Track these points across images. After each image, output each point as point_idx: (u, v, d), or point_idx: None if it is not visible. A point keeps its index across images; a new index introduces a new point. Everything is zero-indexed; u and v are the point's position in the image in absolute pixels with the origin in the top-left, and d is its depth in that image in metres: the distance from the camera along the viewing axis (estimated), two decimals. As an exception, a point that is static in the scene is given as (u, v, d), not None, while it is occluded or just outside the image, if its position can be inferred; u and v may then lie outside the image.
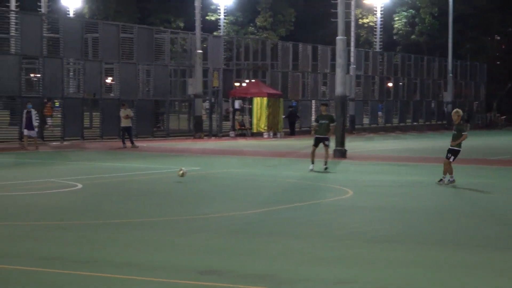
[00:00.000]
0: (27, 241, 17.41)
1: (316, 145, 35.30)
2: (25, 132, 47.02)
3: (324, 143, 35.25)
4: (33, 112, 47.06)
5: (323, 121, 35.16)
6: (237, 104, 70.50)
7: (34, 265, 14.66)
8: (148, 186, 30.22)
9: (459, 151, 29.81)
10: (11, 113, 59.40)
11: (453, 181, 29.73)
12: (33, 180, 30.84)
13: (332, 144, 39.40)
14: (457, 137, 29.76)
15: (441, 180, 29.78)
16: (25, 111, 48.09)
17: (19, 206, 23.61)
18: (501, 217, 23.06)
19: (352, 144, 50.26)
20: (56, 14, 79.78)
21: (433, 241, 18.33)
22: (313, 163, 34.92)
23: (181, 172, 29.78)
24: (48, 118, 61.18)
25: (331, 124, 35.63)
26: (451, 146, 29.81)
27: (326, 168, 35.03)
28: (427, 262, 15.69)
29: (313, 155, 35.15)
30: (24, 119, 47.57)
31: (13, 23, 56.92)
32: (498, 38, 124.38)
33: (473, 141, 46.77)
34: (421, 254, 16.63)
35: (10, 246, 16.81)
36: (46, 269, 14.32)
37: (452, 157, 29.47)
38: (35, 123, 46.76)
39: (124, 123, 50.79)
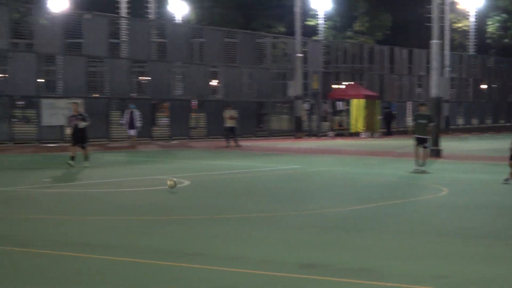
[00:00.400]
0: (140, 235, 17.65)
1: (418, 144, 34.86)
2: (128, 131, 47.50)
3: (424, 146, 34.79)
4: (136, 112, 47.56)
5: (421, 121, 34.66)
6: (340, 105, 70.48)
7: (147, 258, 14.82)
8: (251, 183, 30.33)
9: None
10: (122, 114, 60.17)
11: None
12: (143, 177, 31.18)
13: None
14: None
15: (507, 179, 29.17)
16: (128, 111, 48.69)
17: (131, 201, 23.99)
18: None
19: (447, 144, 49.64)
20: (164, 20, 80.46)
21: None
22: (418, 162, 34.46)
23: (170, 182, 25.84)
24: (163, 119, 62.01)
25: (429, 124, 35.09)
26: None
27: (423, 169, 34.58)
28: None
29: (417, 154, 34.62)
30: (127, 119, 48.17)
31: (124, 29, 57.58)
32: None
33: None
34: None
35: (124, 239, 17.09)
36: (157, 262, 14.48)
37: None
38: (138, 123, 47.24)
39: (229, 123, 51.08)
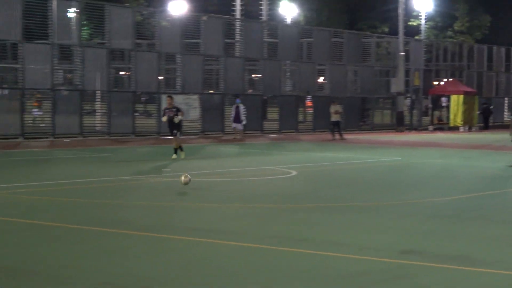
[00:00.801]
0: (256, 222, 17.76)
1: None
2: (233, 125, 47.65)
3: None
4: (242, 107, 47.71)
5: None
6: (444, 101, 70.00)
7: (264, 243, 14.90)
8: (354, 174, 30.16)
9: None
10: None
11: None
12: (254, 167, 31.28)
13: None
14: None
15: None
16: (234, 106, 48.89)
17: (245, 190, 24.13)
18: None
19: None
20: (275, 21, 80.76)
21: None
22: None
23: (185, 179, 22.73)
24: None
25: None
26: None
27: None
28: None
29: None
30: (233, 113, 48.37)
31: (238, 30, 57.88)
32: None
33: None
34: None
35: (244, 226, 17.28)
36: (271, 247, 14.53)
37: None
38: (242, 117, 47.35)
39: (334, 117, 50.99)
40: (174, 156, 32.72)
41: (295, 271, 12.70)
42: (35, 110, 44.53)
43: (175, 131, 33.29)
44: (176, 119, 33.36)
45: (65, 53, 49.07)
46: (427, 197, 22.75)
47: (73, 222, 17.00)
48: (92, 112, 54.06)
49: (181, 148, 33.40)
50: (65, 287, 11.52)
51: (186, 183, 22.51)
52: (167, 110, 34.20)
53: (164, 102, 49.07)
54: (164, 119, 34.27)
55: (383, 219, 18.38)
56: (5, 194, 21.51)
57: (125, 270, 12.56)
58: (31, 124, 45.51)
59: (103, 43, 50.58)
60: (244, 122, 48.19)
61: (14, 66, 48.32)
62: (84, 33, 54.03)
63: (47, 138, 42.67)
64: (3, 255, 13.55)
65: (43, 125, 46.35)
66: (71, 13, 49.53)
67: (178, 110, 33.75)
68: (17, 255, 13.59)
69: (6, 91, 46.96)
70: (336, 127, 50.94)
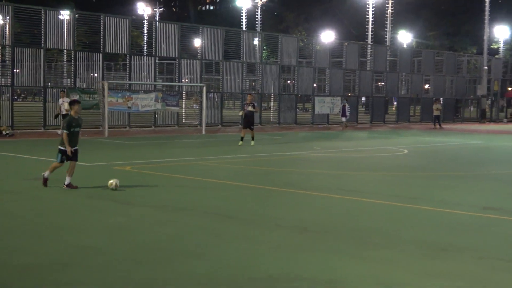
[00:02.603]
0: (378, 184, 17.65)
1: None
2: (342, 118, 47.11)
3: None
4: (347, 105, 47.03)
5: None
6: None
7: (392, 201, 14.87)
8: (451, 152, 29.40)
9: None
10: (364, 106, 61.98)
11: None
12: (377, 147, 30.96)
13: None
14: None
15: None
16: (341, 104, 48.40)
17: (372, 162, 23.71)
18: None
19: None
20: (395, 45, 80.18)
21: None
22: None
23: (113, 184, 15.27)
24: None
25: None
26: None
27: None
28: None
29: None
30: (341, 110, 47.84)
31: (369, 52, 58.10)
32: None
33: None
34: None
35: (378, 188, 17.15)
36: (388, 202, 14.52)
37: None
38: (347, 113, 46.65)
39: (435, 112, 50.10)
40: (241, 142, 29.49)
41: (413, 221, 12.70)
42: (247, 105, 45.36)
43: (252, 127, 29.76)
44: (249, 109, 29.45)
45: (251, 68, 49.79)
46: (504, 170, 22.14)
47: (263, 183, 17.35)
48: (268, 108, 54.89)
49: (253, 137, 29.96)
50: (250, 225, 11.84)
51: (113, 188, 15.15)
52: (245, 104, 30.57)
53: (317, 101, 49.56)
54: (241, 113, 31.44)
55: (470, 185, 18.03)
56: (215, 164, 22.06)
57: (293, 216, 12.78)
58: (226, 115, 46.37)
59: (276, 61, 51.08)
60: (347, 117, 47.43)
61: (217, 77, 49.30)
62: (264, 55, 54.79)
63: (237, 126, 43.38)
64: (217, 206, 13.93)
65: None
66: (255, 41, 50.23)
67: (254, 105, 29.99)
68: (226, 206, 13.97)
69: (211, 95, 48.00)
70: (437, 120, 50.01)
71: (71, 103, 16.08)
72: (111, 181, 15.26)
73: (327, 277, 8.56)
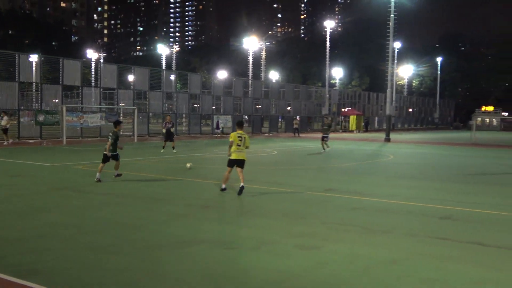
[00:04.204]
0: (258, 175, 17.60)
1: None
2: (217, 130, 46.40)
3: None
4: (220, 120, 46.48)
5: None
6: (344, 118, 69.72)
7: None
8: (306, 152, 28.60)
9: None
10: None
11: None
12: (257, 149, 30.54)
13: None
14: None
15: None
16: (216, 120, 47.99)
17: (254, 160, 23.23)
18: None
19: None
20: (268, 80, 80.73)
21: None
22: None
23: (188, 165, 18.58)
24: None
25: None
26: None
27: None
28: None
29: None
30: (216, 124, 47.52)
31: (250, 86, 58.17)
32: (459, 89, 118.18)
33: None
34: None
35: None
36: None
37: None
38: (220, 126, 46.21)
39: (295, 125, 50.39)
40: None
41: (280, 198, 12.78)
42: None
43: (172, 139, 26.14)
44: (169, 127, 25.97)
45: (169, 95, 48.90)
46: (343, 164, 22.26)
47: (180, 176, 17.12)
48: (181, 123, 53.66)
49: (173, 147, 26.43)
50: (170, 204, 11.74)
51: (189, 168, 17.93)
52: (166, 123, 26.39)
53: (215, 119, 49.15)
54: (164, 130, 26.69)
55: (315, 174, 18.14)
56: (145, 162, 21.54)
57: (199, 197, 12.78)
58: (152, 128, 45.33)
59: (186, 91, 50.42)
60: (220, 129, 46.91)
61: (144, 102, 48.08)
62: (178, 86, 53.80)
63: (159, 136, 42.62)
64: (148, 192, 13.63)
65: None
66: (172, 77, 49.20)
67: (172, 124, 26.31)
68: (154, 192, 13.77)
69: (141, 114, 46.87)
70: (296, 130, 50.40)
71: (118, 122, 15.78)
72: (188, 164, 18.46)
73: (223, 239, 8.82)
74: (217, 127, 47.03)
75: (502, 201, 13.38)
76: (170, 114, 35.02)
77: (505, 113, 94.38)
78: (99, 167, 15.38)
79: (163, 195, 13.21)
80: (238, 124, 13.66)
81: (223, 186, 13.67)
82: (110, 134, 15.49)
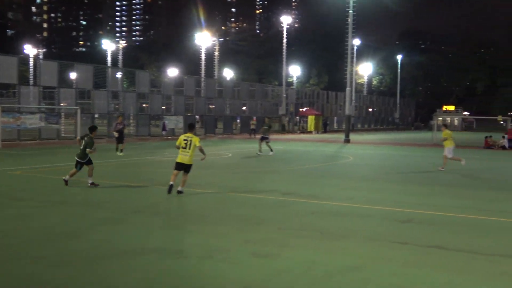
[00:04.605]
0: (211, 179, 17.68)
1: None
2: (163, 132, 46.28)
3: None
4: (166, 122, 46.58)
5: None
6: (301, 119, 70.05)
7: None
8: (261, 154, 28.79)
9: None
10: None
11: None
12: (210, 152, 30.65)
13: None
14: None
15: None
16: (162, 122, 48.00)
17: (207, 163, 23.39)
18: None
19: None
20: (221, 78, 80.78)
21: None
22: None
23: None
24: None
25: None
26: None
27: None
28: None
29: None
30: (162, 126, 47.38)
31: (203, 84, 57.98)
32: (420, 88, 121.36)
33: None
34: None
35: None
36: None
37: None
38: (166, 128, 46.26)
39: (251, 126, 50.68)
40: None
41: (235, 203, 12.75)
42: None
43: (123, 141, 26.91)
44: (121, 128, 26.70)
45: (115, 95, 48.20)
46: (299, 166, 22.88)
47: (128, 181, 16.90)
48: (128, 125, 52.88)
49: (121, 150, 26.89)
50: (115, 212, 11.59)
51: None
52: (117, 124, 27.33)
53: (166, 120, 48.68)
54: (116, 134, 27.31)
55: (273, 177, 18.34)
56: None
57: (148, 204, 12.60)
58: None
59: (134, 90, 49.85)
60: (166, 131, 46.88)
61: (88, 102, 47.20)
62: (124, 85, 53.20)
63: (104, 138, 41.95)
64: (87, 198, 13.40)
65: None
66: (118, 74, 48.61)
67: (124, 125, 27.24)
68: (95, 198, 13.51)
69: (85, 115, 45.99)
70: (252, 131, 50.81)
71: (94, 128, 15.74)
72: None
73: (172, 247, 8.69)
74: (164, 129, 46.63)
75: (462, 203, 13.75)
76: (123, 115, 34.54)
77: (466, 113, 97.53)
78: (70, 172, 15.44)
79: (106, 201, 12.98)
80: (189, 126, 13.89)
81: (171, 182, 13.99)
82: (85, 139, 15.23)
